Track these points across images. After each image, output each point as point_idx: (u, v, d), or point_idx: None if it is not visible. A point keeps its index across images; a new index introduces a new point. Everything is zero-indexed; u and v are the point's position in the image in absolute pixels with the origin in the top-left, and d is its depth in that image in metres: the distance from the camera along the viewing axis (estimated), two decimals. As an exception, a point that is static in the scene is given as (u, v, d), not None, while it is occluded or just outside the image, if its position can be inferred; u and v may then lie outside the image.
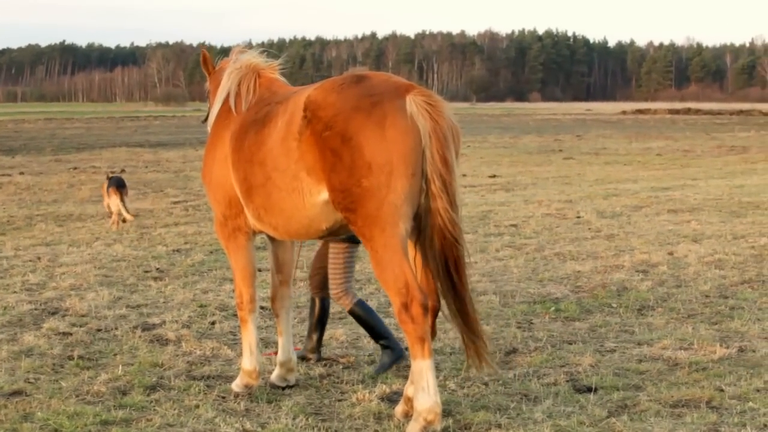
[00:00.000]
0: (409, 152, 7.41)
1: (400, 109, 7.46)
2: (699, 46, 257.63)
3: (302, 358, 10.02)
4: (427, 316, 7.45)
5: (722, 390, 8.94)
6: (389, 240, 7.44)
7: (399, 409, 8.22)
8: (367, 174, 7.38)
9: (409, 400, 7.97)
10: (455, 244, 7.64)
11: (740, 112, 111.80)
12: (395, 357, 9.68)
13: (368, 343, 10.47)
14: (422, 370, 7.52)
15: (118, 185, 20.51)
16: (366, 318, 9.78)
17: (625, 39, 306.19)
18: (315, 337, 10.12)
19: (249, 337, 9.10)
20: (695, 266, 14.92)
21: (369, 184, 7.40)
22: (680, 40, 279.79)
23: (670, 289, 13.46)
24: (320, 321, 10.11)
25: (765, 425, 8.05)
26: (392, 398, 8.68)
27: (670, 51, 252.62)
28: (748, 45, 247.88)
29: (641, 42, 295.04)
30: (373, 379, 9.40)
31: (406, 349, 9.07)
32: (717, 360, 9.91)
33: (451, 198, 7.52)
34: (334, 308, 10.76)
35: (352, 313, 9.83)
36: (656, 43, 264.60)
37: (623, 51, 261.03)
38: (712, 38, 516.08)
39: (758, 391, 8.95)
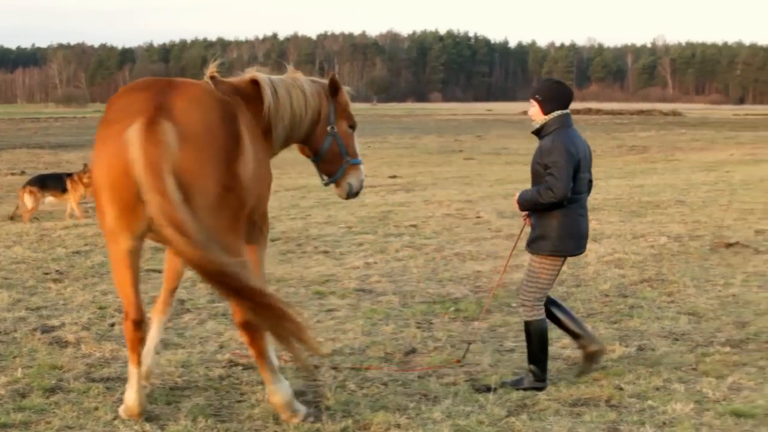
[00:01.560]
0: (114, 178, 7.47)
1: (115, 136, 7.46)
2: (600, 46, 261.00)
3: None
4: (138, 330, 7.95)
5: (621, 388, 8.97)
6: (113, 255, 7.85)
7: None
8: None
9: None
10: (197, 264, 7.41)
11: (641, 112, 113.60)
12: (529, 385, 9.17)
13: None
14: (130, 373, 8.14)
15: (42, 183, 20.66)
16: (538, 338, 9.30)
17: (527, 39, 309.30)
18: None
19: None
20: (595, 266, 15.00)
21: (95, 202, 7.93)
22: (581, 41, 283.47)
23: (570, 288, 13.48)
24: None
25: (664, 423, 8.10)
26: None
27: (571, 51, 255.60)
28: (649, 45, 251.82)
29: (542, 42, 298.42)
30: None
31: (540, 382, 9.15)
32: (616, 359, 9.94)
33: (174, 223, 7.28)
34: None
35: (527, 325, 9.31)
36: (557, 43, 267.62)
37: (524, 51, 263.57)
38: (613, 38, 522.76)
39: (657, 389, 8.99)
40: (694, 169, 31.78)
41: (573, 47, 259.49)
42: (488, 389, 8.95)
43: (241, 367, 9.73)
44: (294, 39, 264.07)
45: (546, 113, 9.19)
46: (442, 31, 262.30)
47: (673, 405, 8.44)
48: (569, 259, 9.31)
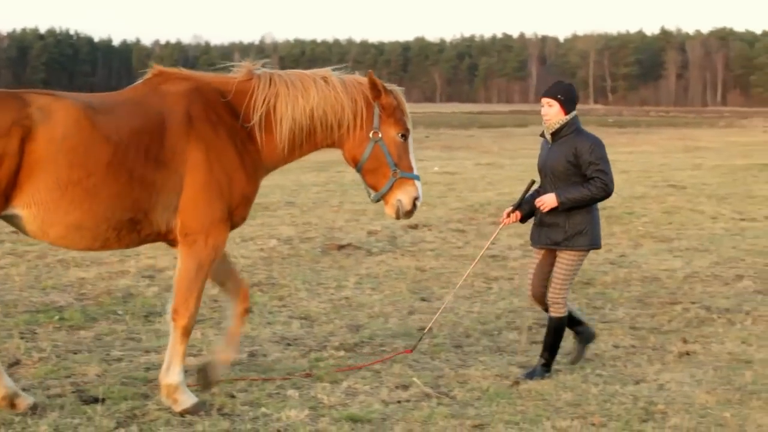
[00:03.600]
0: None
1: None
2: (207, 44, 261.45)
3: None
4: None
5: (234, 396, 8.80)
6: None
7: None
8: None
9: None
10: None
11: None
12: (541, 374, 9.69)
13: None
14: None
15: None
16: (560, 334, 9.85)
17: (131, 38, 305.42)
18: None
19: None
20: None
21: None
22: (187, 39, 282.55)
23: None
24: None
25: (278, 430, 8.00)
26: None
27: (177, 49, 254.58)
28: (257, 43, 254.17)
29: (147, 41, 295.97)
30: None
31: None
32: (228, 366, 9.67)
33: None
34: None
35: (554, 320, 9.80)
36: (163, 41, 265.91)
37: (128, 50, 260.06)
38: (221, 36, 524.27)
39: (270, 396, 8.87)
40: (304, 170, 32.07)
41: (179, 45, 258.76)
42: (96, 400, 8.52)
43: None
44: None
45: (567, 113, 9.58)
46: (43, 29, 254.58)
47: (287, 412, 8.33)
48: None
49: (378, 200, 8.91)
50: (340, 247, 16.98)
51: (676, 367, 10.14)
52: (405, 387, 9.23)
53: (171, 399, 8.45)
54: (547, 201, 9.54)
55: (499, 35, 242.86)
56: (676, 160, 41.23)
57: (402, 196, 8.79)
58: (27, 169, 7.79)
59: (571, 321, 10.04)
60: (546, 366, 9.75)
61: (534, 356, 10.24)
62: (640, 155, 43.72)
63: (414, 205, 8.85)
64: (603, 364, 10.26)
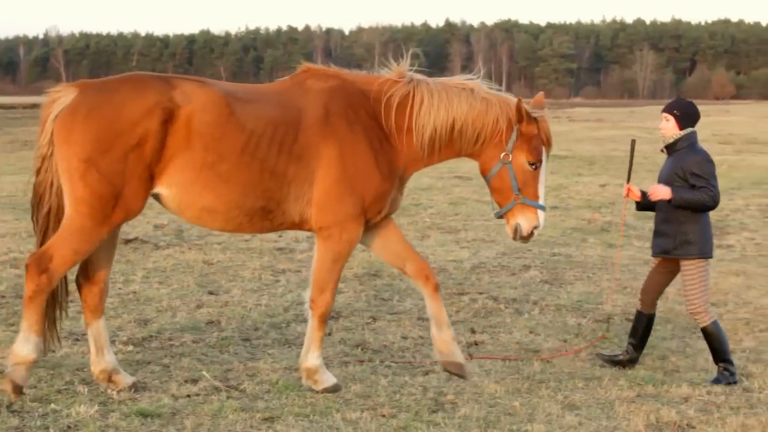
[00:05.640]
0: None
1: None
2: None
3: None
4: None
5: (23, 393, 8.66)
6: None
7: None
8: None
9: None
10: None
11: (33, 105, 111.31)
12: (726, 381, 9.82)
13: None
14: None
15: None
16: (718, 338, 9.99)
17: None
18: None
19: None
20: None
21: None
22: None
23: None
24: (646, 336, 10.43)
25: (69, 427, 7.99)
26: None
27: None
28: (41, 37, 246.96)
29: None
30: None
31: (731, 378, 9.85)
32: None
33: None
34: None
35: (705, 330, 10.02)
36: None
37: None
38: (4, 30, 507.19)
39: (60, 392, 8.85)
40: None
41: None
42: None
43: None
44: None
45: (681, 128, 9.93)
46: None
47: (77, 408, 8.33)
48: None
49: (499, 217, 9.22)
50: (127, 242, 16.84)
51: (467, 357, 10.32)
52: (194, 381, 9.29)
53: (312, 380, 9.08)
54: (660, 191, 9.82)
55: (285, 28, 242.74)
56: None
57: (522, 222, 9.04)
58: (170, 150, 8.38)
59: (639, 336, 10.35)
60: (728, 372, 9.93)
61: (325, 347, 10.47)
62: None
63: (532, 233, 9.10)
64: (392, 356, 10.51)
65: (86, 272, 9.03)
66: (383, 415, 8.51)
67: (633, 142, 10.40)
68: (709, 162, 9.93)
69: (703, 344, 10.56)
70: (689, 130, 10.02)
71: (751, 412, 8.83)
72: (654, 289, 10.31)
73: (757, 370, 10.14)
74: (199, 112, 8.43)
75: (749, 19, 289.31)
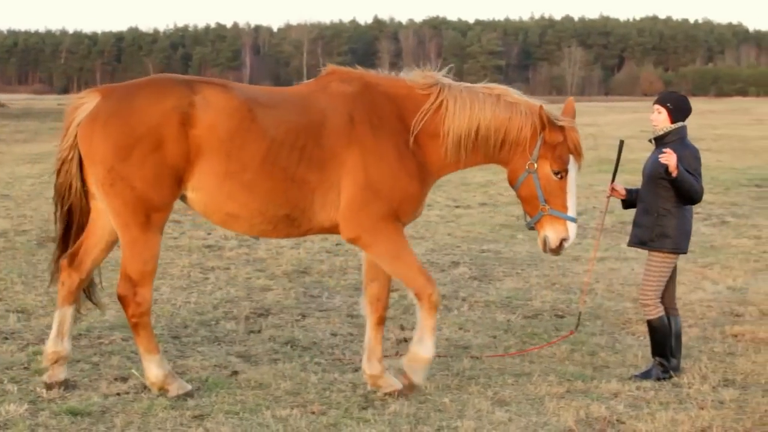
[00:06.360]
0: None
1: None
2: None
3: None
4: None
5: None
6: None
7: None
8: None
9: None
10: None
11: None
12: (657, 376, 9.89)
13: None
14: None
15: None
16: (661, 332, 9.99)
17: None
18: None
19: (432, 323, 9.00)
20: None
21: None
22: None
23: None
24: (677, 337, 10.16)
25: (-2, 426, 7.89)
26: None
27: None
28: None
29: None
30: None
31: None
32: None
33: None
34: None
35: (650, 323, 10.04)
36: None
37: None
38: None
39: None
40: (18, 162, 31.22)
41: None
42: None
43: None
44: None
45: (673, 122, 9.89)
46: None
47: (6, 406, 8.30)
48: None
49: (530, 228, 9.06)
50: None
51: (394, 354, 10.40)
52: (124, 379, 9.27)
53: (417, 368, 9.06)
54: (672, 159, 9.58)
55: (213, 25, 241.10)
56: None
57: (550, 234, 8.86)
58: (192, 153, 8.32)
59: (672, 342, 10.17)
60: (662, 366, 9.95)
61: (252, 345, 10.49)
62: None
63: (561, 245, 8.91)
64: (321, 352, 10.53)
65: (73, 258, 9.06)
66: (313, 412, 8.53)
67: (621, 142, 10.26)
68: (698, 159, 9.98)
69: (632, 340, 10.73)
70: (680, 124, 10.02)
71: (680, 407, 8.94)
72: (666, 291, 10.17)
73: (686, 365, 10.25)
74: (220, 118, 8.38)
75: (677, 16, 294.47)
